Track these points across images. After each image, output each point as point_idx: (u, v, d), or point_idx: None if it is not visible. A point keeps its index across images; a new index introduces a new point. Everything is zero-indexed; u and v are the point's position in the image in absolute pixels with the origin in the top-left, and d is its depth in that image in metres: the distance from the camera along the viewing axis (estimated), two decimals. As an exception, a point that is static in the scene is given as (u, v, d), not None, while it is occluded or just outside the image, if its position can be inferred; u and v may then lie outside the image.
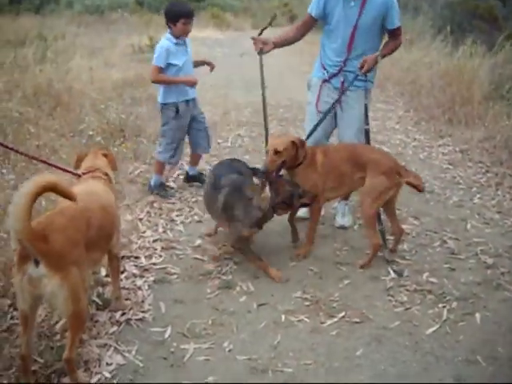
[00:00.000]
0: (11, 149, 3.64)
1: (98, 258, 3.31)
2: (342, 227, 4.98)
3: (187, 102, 5.40)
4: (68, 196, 2.76)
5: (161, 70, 5.17)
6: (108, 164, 3.71)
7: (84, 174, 3.51)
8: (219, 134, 7.79)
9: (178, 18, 5.13)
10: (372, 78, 4.78)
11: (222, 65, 9.14)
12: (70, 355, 2.83)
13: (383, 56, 4.64)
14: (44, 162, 3.79)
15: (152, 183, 5.65)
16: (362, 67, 4.52)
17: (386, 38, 4.83)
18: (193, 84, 5.30)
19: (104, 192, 3.41)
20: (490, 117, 7.77)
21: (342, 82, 4.69)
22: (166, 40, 5.21)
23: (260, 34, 4.94)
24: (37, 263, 2.67)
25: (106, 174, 3.57)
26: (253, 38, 4.82)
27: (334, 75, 4.73)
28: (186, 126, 5.52)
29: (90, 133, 6.02)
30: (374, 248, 4.25)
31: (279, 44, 4.86)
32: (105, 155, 3.74)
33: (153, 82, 5.32)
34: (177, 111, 5.37)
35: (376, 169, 4.18)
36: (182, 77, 5.28)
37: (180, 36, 5.22)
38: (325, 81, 4.79)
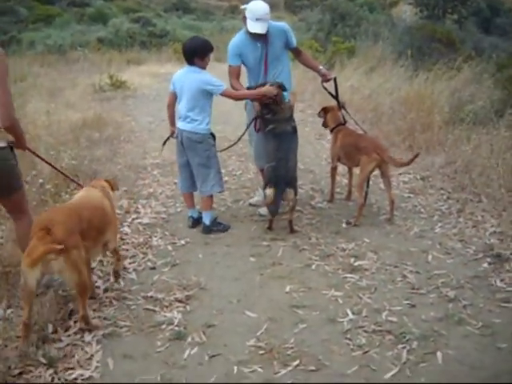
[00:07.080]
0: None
1: (91, 246, 3.98)
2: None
3: None
4: None
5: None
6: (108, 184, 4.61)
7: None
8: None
9: (208, 52, 5.32)
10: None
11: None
12: (84, 313, 3.75)
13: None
14: (56, 168, 5.08)
15: (208, 222, 5.53)
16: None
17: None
18: None
19: (97, 196, 4.27)
20: (450, 142, 7.70)
21: None
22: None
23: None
24: None
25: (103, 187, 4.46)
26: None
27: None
28: None
29: (41, 181, 5.82)
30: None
31: None
32: (106, 181, 4.69)
33: None
34: (214, 137, 5.58)
35: None
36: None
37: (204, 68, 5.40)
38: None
